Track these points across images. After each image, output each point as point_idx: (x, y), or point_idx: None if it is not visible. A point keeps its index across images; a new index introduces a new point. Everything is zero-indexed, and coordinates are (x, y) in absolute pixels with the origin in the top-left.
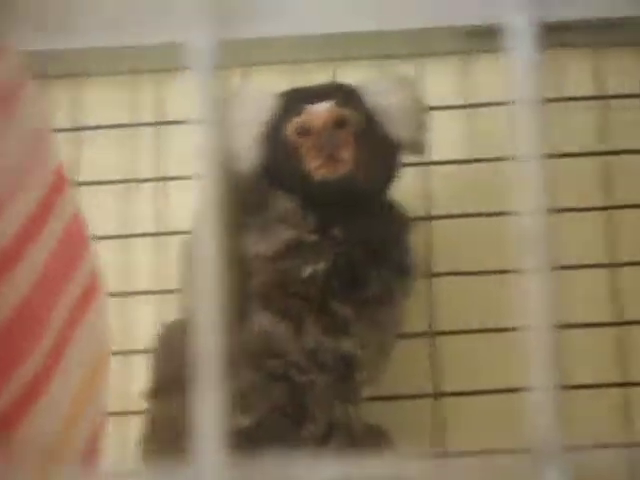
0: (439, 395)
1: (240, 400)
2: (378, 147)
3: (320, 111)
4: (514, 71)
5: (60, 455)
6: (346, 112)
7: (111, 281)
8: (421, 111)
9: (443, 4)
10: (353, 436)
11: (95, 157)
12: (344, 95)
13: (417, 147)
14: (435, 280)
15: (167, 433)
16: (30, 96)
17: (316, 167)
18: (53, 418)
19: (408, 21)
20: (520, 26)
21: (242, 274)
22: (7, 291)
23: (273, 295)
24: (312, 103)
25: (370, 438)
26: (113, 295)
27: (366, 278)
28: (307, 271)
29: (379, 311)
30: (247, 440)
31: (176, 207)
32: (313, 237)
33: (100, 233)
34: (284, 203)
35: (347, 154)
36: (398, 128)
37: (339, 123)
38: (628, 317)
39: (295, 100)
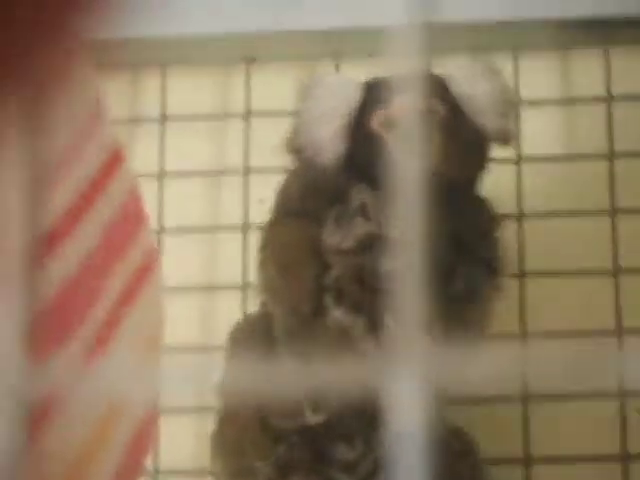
0: (527, 401)
1: (313, 397)
2: (466, 139)
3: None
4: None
5: (103, 443)
6: (432, 103)
7: (196, 273)
8: (509, 100)
9: None
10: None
11: (182, 146)
12: (431, 85)
13: (505, 137)
14: (526, 280)
15: (234, 430)
16: (84, 77)
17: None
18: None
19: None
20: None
21: (318, 267)
22: (57, 266)
23: (349, 290)
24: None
25: (454, 442)
26: (197, 288)
27: (451, 274)
28: (386, 266)
29: (464, 309)
30: (317, 435)
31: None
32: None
33: (186, 223)
34: (365, 196)
35: (433, 147)
36: (486, 118)
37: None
38: None
39: (380, 90)
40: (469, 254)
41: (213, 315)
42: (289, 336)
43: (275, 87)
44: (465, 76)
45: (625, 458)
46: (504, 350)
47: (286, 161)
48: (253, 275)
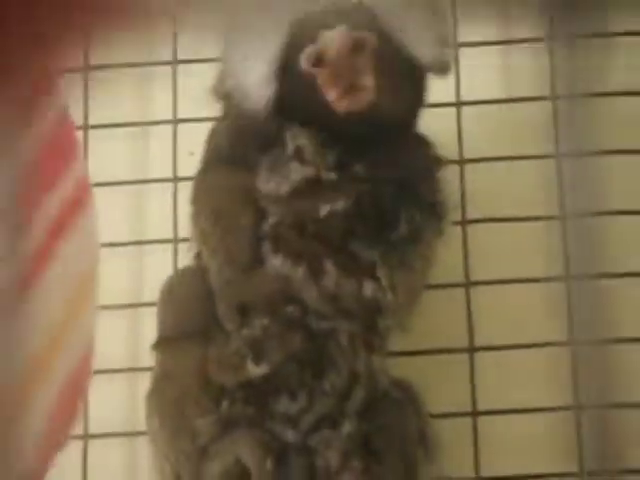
0: (473, 350)
1: (254, 348)
2: (401, 70)
3: (334, 37)
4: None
5: (42, 377)
6: (363, 35)
7: (125, 229)
8: (442, 25)
9: None
10: (377, 389)
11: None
12: (359, 16)
13: (442, 66)
14: (469, 227)
15: (172, 386)
16: None
17: (335, 98)
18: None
19: None
20: None
21: (254, 215)
22: None
23: (288, 237)
24: (325, 29)
25: (395, 392)
26: (127, 244)
27: (393, 218)
28: (325, 210)
29: (408, 252)
30: (260, 389)
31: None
32: (332, 175)
33: (114, 178)
34: (300, 139)
35: (368, 81)
36: (420, 47)
37: (356, 48)
38: None
39: (307, 27)
40: (411, 196)
41: (144, 272)
42: (227, 287)
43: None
44: (397, 6)
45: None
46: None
47: (215, 110)
48: (185, 229)
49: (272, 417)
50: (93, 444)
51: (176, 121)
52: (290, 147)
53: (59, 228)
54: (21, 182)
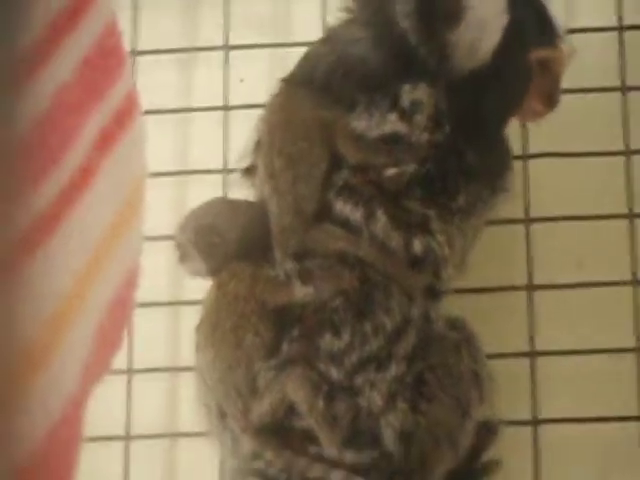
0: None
1: (302, 272)
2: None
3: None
4: None
5: (80, 299)
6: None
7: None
8: None
9: None
10: (432, 333)
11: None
12: None
13: None
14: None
15: (228, 315)
16: None
17: (542, 110)
18: (79, 242)
19: None
20: None
21: (329, 165)
22: (29, 100)
23: (354, 183)
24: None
25: (450, 332)
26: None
27: (454, 189)
28: (392, 171)
29: (461, 220)
30: (309, 325)
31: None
32: (423, 137)
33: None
34: (418, 94)
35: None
36: None
37: None
38: None
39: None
40: (478, 175)
41: (190, 204)
42: (285, 234)
43: None
44: None
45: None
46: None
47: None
48: (235, 159)
49: (317, 355)
50: (137, 378)
51: (227, 47)
52: (404, 99)
53: (107, 140)
54: (69, 86)
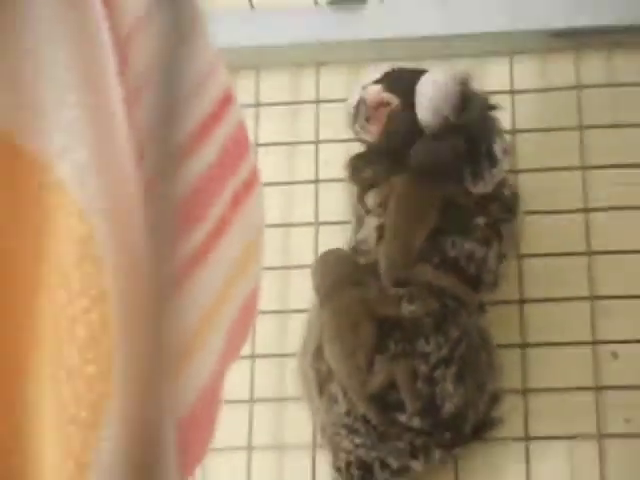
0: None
1: (409, 294)
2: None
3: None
4: None
5: (216, 312)
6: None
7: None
8: (453, 102)
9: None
10: (472, 339)
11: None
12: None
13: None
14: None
15: (345, 319)
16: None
17: None
18: (217, 271)
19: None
20: None
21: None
22: (184, 176)
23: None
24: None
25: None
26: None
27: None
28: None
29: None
30: (409, 331)
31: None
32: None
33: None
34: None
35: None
36: (425, 113)
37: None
38: None
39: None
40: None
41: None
42: (391, 270)
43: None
44: (432, 79)
45: None
46: None
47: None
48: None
49: (414, 354)
50: (260, 362)
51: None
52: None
53: (237, 202)
54: (214, 165)
